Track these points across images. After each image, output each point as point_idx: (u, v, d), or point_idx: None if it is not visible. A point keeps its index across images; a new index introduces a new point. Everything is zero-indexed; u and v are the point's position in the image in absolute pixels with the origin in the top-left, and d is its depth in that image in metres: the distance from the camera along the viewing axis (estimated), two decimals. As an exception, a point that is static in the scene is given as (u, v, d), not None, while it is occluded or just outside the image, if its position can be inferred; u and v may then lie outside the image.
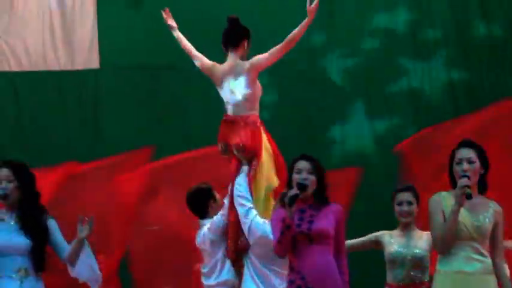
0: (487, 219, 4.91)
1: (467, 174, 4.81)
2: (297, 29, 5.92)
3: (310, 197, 5.05)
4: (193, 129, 8.29)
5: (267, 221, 5.66)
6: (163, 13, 6.45)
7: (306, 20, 5.89)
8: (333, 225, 5.05)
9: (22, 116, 8.82)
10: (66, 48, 8.82)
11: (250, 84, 5.95)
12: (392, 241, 5.92)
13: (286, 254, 5.09)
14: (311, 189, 5.03)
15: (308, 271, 4.97)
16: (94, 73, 8.73)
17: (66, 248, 5.48)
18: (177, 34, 6.40)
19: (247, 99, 5.94)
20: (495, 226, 4.94)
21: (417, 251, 5.77)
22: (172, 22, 6.39)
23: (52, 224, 5.44)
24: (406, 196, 5.83)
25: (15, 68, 8.75)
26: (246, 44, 5.95)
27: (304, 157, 5.18)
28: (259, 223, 5.75)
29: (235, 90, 5.93)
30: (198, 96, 7.99)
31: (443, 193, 4.92)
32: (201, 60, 6.26)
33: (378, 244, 5.99)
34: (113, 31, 8.82)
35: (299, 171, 5.06)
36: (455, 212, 4.77)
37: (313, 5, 5.86)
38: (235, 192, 5.93)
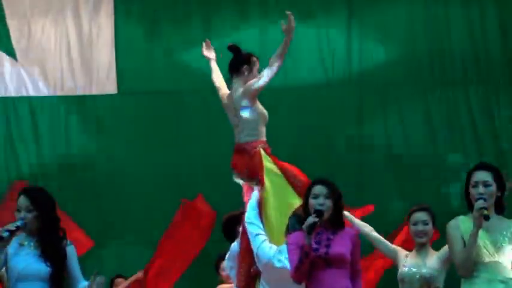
0: (506, 238, 4.90)
1: (484, 196, 4.82)
2: (279, 49, 5.94)
3: (327, 220, 5.02)
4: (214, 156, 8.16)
5: (274, 246, 5.73)
6: (204, 44, 6.45)
7: (285, 39, 5.91)
8: (349, 250, 5.02)
9: (41, 140, 8.78)
10: (84, 73, 8.87)
11: (246, 109, 6.03)
12: (405, 260, 5.92)
13: (304, 280, 5.03)
14: (328, 214, 5.00)
15: None
16: (111, 98, 8.78)
17: (79, 278, 5.40)
18: (213, 65, 6.44)
19: (245, 124, 6.03)
20: None
21: (425, 270, 5.76)
22: (209, 54, 6.43)
23: (70, 251, 5.38)
24: (421, 216, 5.86)
25: (32, 93, 8.80)
26: (246, 70, 6.01)
27: (320, 181, 5.13)
28: (265, 249, 5.76)
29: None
30: (215, 121, 7.77)
31: (461, 217, 4.90)
32: (220, 91, 6.36)
33: (394, 258, 6.05)
34: (130, 56, 8.85)
35: (316, 197, 5.01)
36: (474, 235, 4.77)
37: (289, 25, 5.87)
38: (245, 219, 5.91)
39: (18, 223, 5.14)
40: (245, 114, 6.03)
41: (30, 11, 8.91)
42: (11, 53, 8.85)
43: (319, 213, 4.88)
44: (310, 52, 8.65)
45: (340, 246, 4.93)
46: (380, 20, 9.38)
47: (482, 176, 4.92)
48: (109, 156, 8.93)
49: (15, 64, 8.85)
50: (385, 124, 9.55)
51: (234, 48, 6.26)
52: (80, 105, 8.92)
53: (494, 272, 4.86)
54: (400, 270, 5.84)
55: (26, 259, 5.17)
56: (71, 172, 8.72)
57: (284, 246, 5.51)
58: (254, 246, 5.76)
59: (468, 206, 4.85)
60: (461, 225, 4.88)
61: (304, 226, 4.90)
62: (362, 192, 8.57)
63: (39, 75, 8.86)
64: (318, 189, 5.03)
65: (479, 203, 4.73)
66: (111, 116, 8.80)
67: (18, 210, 5.21)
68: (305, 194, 5.16)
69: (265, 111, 6.13)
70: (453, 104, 9.55)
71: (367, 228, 6.09)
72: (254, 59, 6.20)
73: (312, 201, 4.99)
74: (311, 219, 4.87)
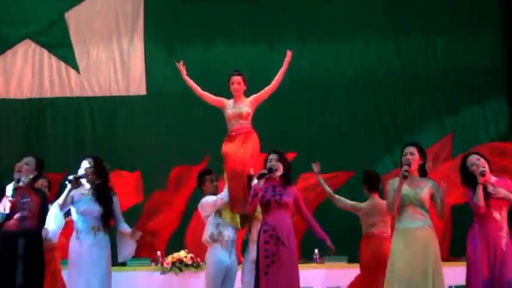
0: (423, 191, 5.74)
1: (409, 162, 5.71)
2: (277, 76, 6.79)
3: (279, 178, 5.97)
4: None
5: (219, 196, 6.54)
6: (179, 65, 6.87)
7: (282, 69, 6.77)
8: (293, 199, 5.96)
9: (96, 129, 9.88)
10: (124, 80, 9.91)
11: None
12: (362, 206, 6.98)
13: (254, 211, 6.07)
14: (279, 172, 5.91)
15: (277, 225, 5.86)
16: (142, 97, 9.85)
17: (120, 219, 6.30)
18: (186, 78, 6.92)
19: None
20: (432, 195, 5.74)
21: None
22: (183, 70, 6.86)
23: (115, 199, 6.27)
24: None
25: (90, 94, 9.97)
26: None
27: (274, 151, 6.05)
28: (213, 198, 6.62)
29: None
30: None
31: (396, 178, 5.79)
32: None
33: (352, 209, 6.99)
34: (155, 68, 9.86)
35: (270, 160, 5.98)
36: (399, 187, 5.64)
37: (287, 57, 6.77)
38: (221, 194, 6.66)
39: (81, 174, 6.16)
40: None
41: (88, 40, 9.98)
42: (76, 67, 9.95)
43: (269, 169, 5.87)
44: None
45: (288, 196, 5.91)
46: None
47: (409, 149, 5.84)
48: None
49: (78, 75, 9.94)
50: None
51: (237, 71, 6.83)
52: (120, 102, 9.86)
53: (414, 212, 5.74)
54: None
55: (85, 203, 6.14)
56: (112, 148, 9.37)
57: (224, 192, 6.54)
58: (214, 199, 6.66)
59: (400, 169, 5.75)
60: (394, 183, 5.77)
61: (257, 175, 5.89)
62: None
63: (94, 83, 9.99)
64: (272, 156, 6.02)
65: (404, 168, 5.68)
66: (142, 110, 9.80)
67: (82, 168, 6.19)
68: (264, 160, 6.11)
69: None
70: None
71: (331, 191, 7.03)
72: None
73: (268, 163, 5.97)
74: (263, 171, 5.87)
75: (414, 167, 5.72)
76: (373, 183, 6.89)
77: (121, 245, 6.36)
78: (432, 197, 5.71)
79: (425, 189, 5.73)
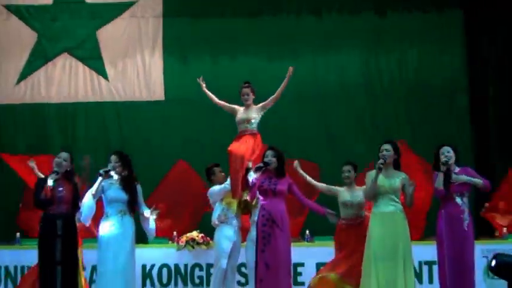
0: (396, 182, 5.88)
1: (385, 157, 5.84)
2: (280, 88, 6.86)
3: (274, 171, 6.17)
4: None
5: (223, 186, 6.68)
6: (199, 80, 7.17)
7: (284, 82, 6.86)
8: (287, 188, 6.13)
9: (122, 129, 9.88)
10: (146, 88, 9.96)
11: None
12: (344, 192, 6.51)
13: (254, 198, 6.14)
14: (274, 166, 6.12)
15: (272, 210, 6.04)
16: (160, 102, 9.84)
17: (142, 204, 6.43)
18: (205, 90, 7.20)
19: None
20: (403, 186, 5.88)
21: (359, 199, 6.36)
22: (203, 84, 7.14)
23: (139, 188, 6.43)
24: (347, 168, 6.51)
25: (117, 99, 10.00)
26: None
27: (270, 147, 6.25)
28: (220, 187, 6.75)
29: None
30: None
31: (373, 171, 5.90)
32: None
33: (335, 194, 6.56)
34: (172, 75, 9.90)
35: (266, 156, 6.21)
36: (375, 178, 5.78)
37: (289, 72, 6.84)
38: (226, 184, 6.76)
39: (110, 167, 6.34)
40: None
41: (116, 53, 9.99)
42: (105, 76, 9.97)
43: (265, 163, 6.12)
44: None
45: (282, 185, 6.12)
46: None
47: (385, 146, 5.95)
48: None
49: (107, 83, 9.95)
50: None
51: (247, 82, 6.88)
52: (142, 106, 9.90)
53: (388, 199, 5.84)
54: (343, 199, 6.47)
55: (114, 191, 6.33)
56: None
57: (227, 182, 6.69)
58: (219, 188, 6.87)
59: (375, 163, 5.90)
60: (372, 175, 5.90)
61: (254, 167, 6.18)
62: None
63: (121, 89, 10.01)
64: (268, 152, 6.23)
65: (379, 161, 5.85)
66: (160, 113, 9.79)
67: (111, 162, 6.38)
68: (262, 155, 6.32)
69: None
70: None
71: (313, 181, 6.69)
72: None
73: (264, 158, 6.19)
74: (259, 164, 6.11)
75: (389, 161, 5.81)
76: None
77: (145, 225, 6.49)
78: (403, 188, 5.83)
79: (398, 180, 5.83)
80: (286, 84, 6.81)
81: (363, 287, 5.77)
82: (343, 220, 6.39)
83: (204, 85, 7.07)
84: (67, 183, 6.19)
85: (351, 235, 6.25)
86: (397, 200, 5.83)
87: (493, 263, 4.50)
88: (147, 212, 6.39)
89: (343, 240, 6.33)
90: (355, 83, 9.84)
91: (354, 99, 9.82)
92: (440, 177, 5.77)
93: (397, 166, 5.93)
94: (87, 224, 6.59)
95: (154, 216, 6.37)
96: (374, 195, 5.77)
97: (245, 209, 6.44)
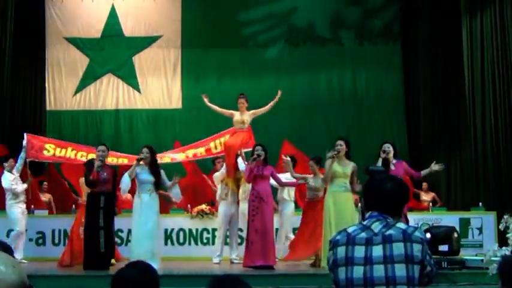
0: (348, 169, 5.77)
1: (338, 149, 5.69)
2: (270, 104, 6.76)
3: (262, 161, 6.09)
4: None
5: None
6: (203, 96, 6.98)
7: (274, 100, 6.80)
8: (270, 173, 6.08)
9: (151, 129, 9.69)
10: (168, 99, 9.91)
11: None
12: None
13: (251, 181, 5.94)
14: (262, 157, 6.02)
15: (261, 189, 5.98)
16: (179, 110, 9.83)
17: (166, 181, 6.20)
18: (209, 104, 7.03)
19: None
20: (352, 173, 5.75)
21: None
22: (206, 99, 6.97)
23: (162, 172, 6.22)
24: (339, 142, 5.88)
25: (147, 107, 9.92)
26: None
27: (259, 144, 6.14)
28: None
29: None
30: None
31: (329, 160, 5.76)
32: (231, 114, 6.83)
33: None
34: (188, 89, 9.80)
35: (257, 150, 6.07)
36: (330, 165, 5.69)
37: (277, 97, 6.77)
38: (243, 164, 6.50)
39: (142, 156, 6.11)
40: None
41: (146, 73, 9.94)
42: (138, 90, 9.99)
43: (257, 155, 6.00)
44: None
45: (267, 171, 6.07)
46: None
47: (339, 142, 5.82)
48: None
49: (139, 95, 9.96)
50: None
51: (242, 93, 6.72)
52: (164, 112, 9.85)
53: (341, 181, 5.76)
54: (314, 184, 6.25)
55: (144, 174, 6.15)
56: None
57: (224, 167, 6.75)
58: (219, 173, 6.82)
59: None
60: (328, 163, 5.77)
61: (251, 159, 6.07)
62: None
63: (150, 100, 9.98)
64: (258, 147, 6.10)
65: (333, 153, 5.69)
66: (179, 118, 9.79)
67: (143, 153, 6.12)
68: (253, 148, 6.14)
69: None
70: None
71: (294, 173, 6.37)
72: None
73: (255, 152, 6.06)
74: (254, 156, 5.99)
75: (342, 153, 5.71)
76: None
77: (172, 193, 6.61)
78: (353, 174, 5.71)
79: (349, 167, 5.73)
80: (275, 103, 6.78)
81: (324, 247, 5.65)
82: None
83: (206, 100, 6.92)
84: (108, 168, 6.11)
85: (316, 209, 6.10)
86: (348, 182, 5.72)
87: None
88: (170, 183, 6.23)
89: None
90: (323, 95, 9.85)
91: (325, 109, 9.84)
92: (379, 162, 5.56)
93: (348, 157, 5.81)
94: (125, 195, 6.65)
95: (175, 182, 6.17)
96: (330, 179, 5.68)
97: (236, 184, 6.43)
